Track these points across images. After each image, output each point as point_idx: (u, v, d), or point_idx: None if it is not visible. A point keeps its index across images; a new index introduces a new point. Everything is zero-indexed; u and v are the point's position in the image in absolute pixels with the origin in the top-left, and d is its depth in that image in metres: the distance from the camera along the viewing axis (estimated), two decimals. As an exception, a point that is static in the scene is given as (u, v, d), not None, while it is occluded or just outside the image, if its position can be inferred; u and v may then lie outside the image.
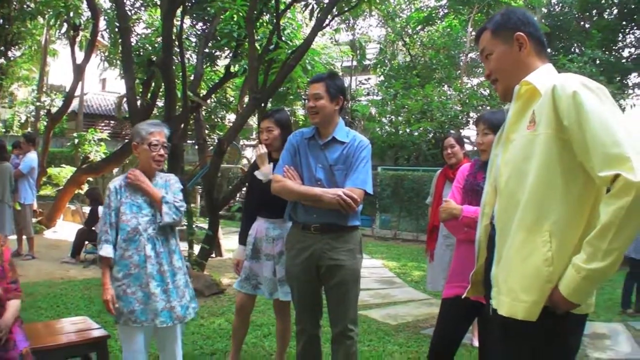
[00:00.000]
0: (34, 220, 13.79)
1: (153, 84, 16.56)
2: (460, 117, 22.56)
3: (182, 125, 10.85)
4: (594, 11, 26.98)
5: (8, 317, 4.25)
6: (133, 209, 4.50)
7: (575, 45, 26.41)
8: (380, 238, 19.78)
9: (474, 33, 24.49)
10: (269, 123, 5.57)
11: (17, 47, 26.68)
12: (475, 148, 4.72)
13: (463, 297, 3.33)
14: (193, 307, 4.71)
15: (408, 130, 24.46)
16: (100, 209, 12.14)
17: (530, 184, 2.62)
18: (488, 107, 20.79)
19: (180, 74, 11.11)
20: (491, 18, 3.04)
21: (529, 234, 2.61)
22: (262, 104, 10.82)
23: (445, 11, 28.79)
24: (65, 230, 16.25)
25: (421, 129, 23.27)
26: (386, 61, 31.46)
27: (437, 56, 28.21)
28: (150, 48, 15.77)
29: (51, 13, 16.13)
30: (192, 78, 13.35)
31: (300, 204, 4.65)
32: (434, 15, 29.31)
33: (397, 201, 20.36)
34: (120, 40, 11.57)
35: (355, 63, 31.41)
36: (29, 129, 28.00)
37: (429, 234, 7.55)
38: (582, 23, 27.15)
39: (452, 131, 18.99)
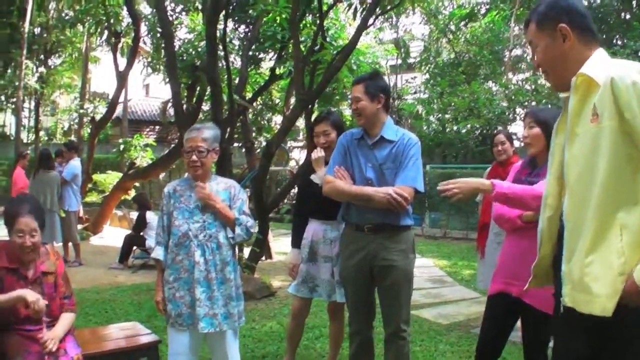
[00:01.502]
0: (80, 226, 13.95)
1: (198, 88, 16.63)
2: (507, 114, 22.30)
3: (229, 129, 10.85)
4: (634, 2, 26.59)
5: (59, 328, 4.27)
6: (185, 214, 4.49)
7: (617, 37, 26.04)
8: (430, 237, 19.65)
9: (516, 28, 24.38)
10: (325, 126, 5.47)
11: (57, 55, 27.11)
12: (523, 144, 4.60)
13: (525, 289, 3.24)
14: (235, 321, 4.60)
15: (455, 127, 24.39)
16: (148, 214, 12.24)
17: (601, 178, 2.56)
18: (534, 103, 20.59)
19: (225, 77, 11.11)
20: (535, 8, 2.96)
21: (602, 228, 2.55)
22: (309, 106, 10.78)
23: (487, 7, 28.58)
24: (112, 236, 16.40)
25: (468, 126, 23.23)
26: (431, 59, 31.29)
27: (481, 52, 27.95)
28: (193, 52, 15.84)
29: (91, 21, 16.27)
30: (237, 81, 13.37)
31: (353, 204, 4.61)
32: (475, 11, 29.10)
33: (446, 199, 20.11)
34: (163, 46, 11.62)
35: (400, 61, 31.32)
36: (72, 137, 28.31)
37: (480, 231, 7.50)
38: (622, 15, 26.76)
39: (500, 127, 18.88)
